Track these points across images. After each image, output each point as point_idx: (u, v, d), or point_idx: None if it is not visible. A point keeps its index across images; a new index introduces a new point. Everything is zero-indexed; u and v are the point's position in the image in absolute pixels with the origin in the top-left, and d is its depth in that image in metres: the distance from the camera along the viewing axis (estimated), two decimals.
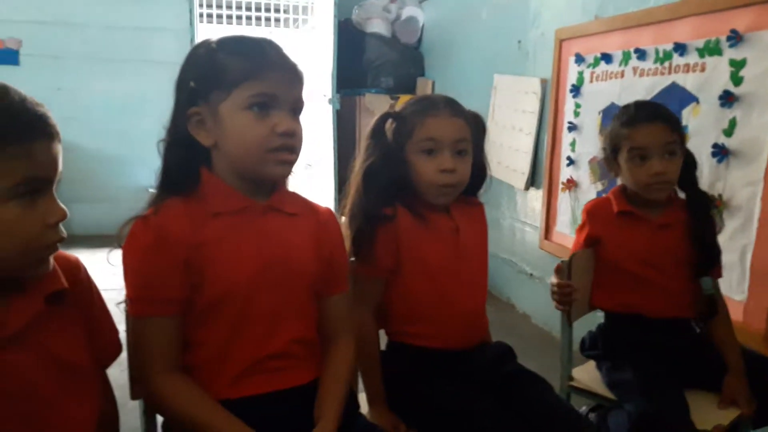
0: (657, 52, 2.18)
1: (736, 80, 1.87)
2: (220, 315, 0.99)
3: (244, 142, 0.98)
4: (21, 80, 4.12)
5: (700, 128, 1.98)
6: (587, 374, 1.61)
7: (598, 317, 1.65)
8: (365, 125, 4.30)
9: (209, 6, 4.85)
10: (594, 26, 2.52)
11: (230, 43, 1.01)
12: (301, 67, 1.03)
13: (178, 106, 1.01)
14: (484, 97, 3.45)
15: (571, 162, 2.69)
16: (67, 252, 0.87)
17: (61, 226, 0.80)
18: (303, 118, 1.05)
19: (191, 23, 4.48)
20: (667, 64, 2.14)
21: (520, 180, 3.10)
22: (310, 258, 1.07)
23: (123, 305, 0.99)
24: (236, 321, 1.00)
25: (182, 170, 1.01)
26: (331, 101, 4.54)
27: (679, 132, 1.47)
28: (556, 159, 2.80)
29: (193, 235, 0.97)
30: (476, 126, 1.33)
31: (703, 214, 1.51)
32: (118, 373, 1.02)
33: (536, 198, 3.02)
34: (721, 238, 1.53)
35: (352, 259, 1.26)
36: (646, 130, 1.46)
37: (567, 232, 2.73)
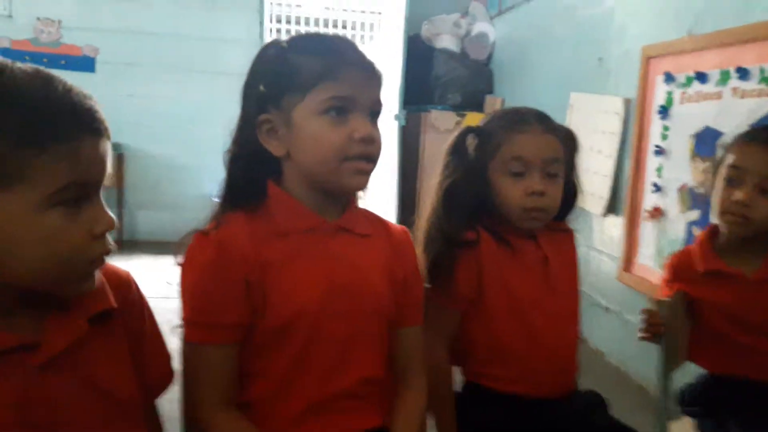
0: (762, 71, 1.98)
1: None
2: (283, 345, 0.89)
3: (320, 149, 0.88)
4: (96, 86, 4.22)
5: None
6: None
7: (698, 367, 1.46)
8: (429, 142, 4.28)
9: (278, 21, 4.87)
10: (688, 43, 2.32)
11: (302, 42, 0.92)
12: (379, 66, 0.92)
13: (246, 113, 0.92)
14: (558, 116, 3.24)
15: (657, 189, 2.49)
16: (121, 264, 0.77)
17: (109, 237, 0.70)
18: (381, 123, 0.94)
19: (261, 36, 4.50)
20: None
21: (597, 205, 2.91)
22: (383, 284, 0.96)
23: (179, 329, 0.89)
24: (300, 353, 0.89)
25: (249, 183, 0.92)
26: (396, 117, 4.45)
27: None
28: (639, 184, 2.60)
29: (257, 253, 0.88)
30: (569, 144, 1.19)
31: None
32: (169, 405, 0.91)
33: (615, 225, 2.82)
34: None
35: (427, 286, 1.13)
36: (750, 149, 1.26)
37: (650, 264, 2.53)
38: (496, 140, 1.14)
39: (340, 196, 0.95)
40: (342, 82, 0.87)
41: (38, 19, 4.40)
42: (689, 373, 1.46)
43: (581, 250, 3.16)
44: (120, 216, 4.38)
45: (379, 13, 4.92)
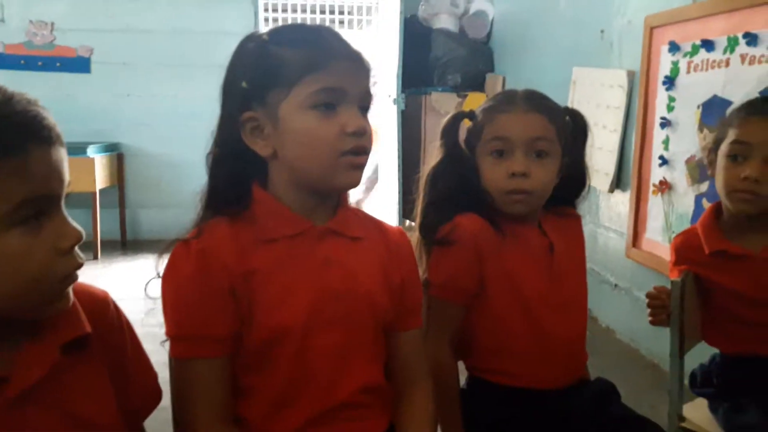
0: None
1: None
2: (275, 357, 0.84)
3: (310, 146, 0.83)
4: (92, 87, 4.17)
5: None
6: (699, 414, 1.37)
7: (709, 347, 1.41)
8: (431, 125, 4.21)
9: (274, 10, 4.80)
10: (692, 10, 2.24)
11: (284, 33, 0.87)
12: (366, 56, 0.87)
13: (228, 112, 0.87)
14: (561, 92, 3.21)
15: (664, 162, 2.42)
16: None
17: (78, 251, 0.65)
18: (371, 114, 0.89)
19: (256, 26, 4.44)
20: None
21: (603, 181, 2.85)
22: (378, 289, 0.91)
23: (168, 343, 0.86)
24: (294, 364, 0.85)
25: (232, 187, 0.87)
26: (395, 101, 4.38)
27: None
28: (646, 159, 2.53)
29: (241, 262, 0.83)
30: (573, 124, 1.13)
31: None
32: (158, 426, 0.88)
33: (622, 201, 2.76)
34: None
35: (427, 280, 1.09)
36: (753, 123, 1.19)
37: (659, 239, 2.47)
38: (481, 122, 1.11)
39: (330, 195, 0.90)
40: (330, 73, 0.82)
41: (31, 21, 4.36)
42: (701, 354, 1.41)
43: (588, 228, 3.13)
44: (122, 216, 4.36)
45: None
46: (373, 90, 0.88)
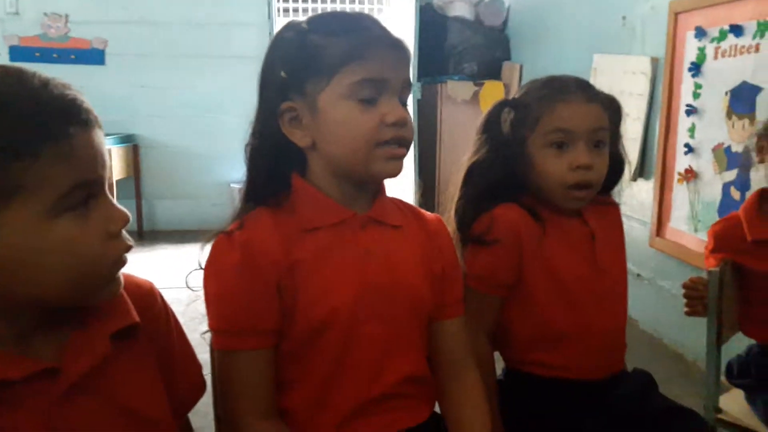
0: None
1: None
2: (318, 349, 0.84)
3: (350, 137, 0.81)
4: (107, 79, 4.16)
5: None
6: (736, 405, 1.36)
7: (744, 338, 1.39)
8: (447, 114, 4.17)
9: (286, 0, 4.76)
10: None
11: (324, 21, 0.85)
12: (406, 44, 0.85)
13: (266, 102, 0.85)
14: None
15: (689, 150, 2.38)
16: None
17: (125, 233, 0.64)
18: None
19: (269, 16, 4.41)
20: None
21: (626, 170, 2.80)
22: (419, 280, 0.89)
23: (208, 334, 0.85)
24: (337, 356, 0.84)
25: (272, 177, 0.85)
26: (412, 90, 4.35)
27: None
28: (670, 147, 2.50)
29: (286, 254, 0.82)
30: (613, 111, 1.11)
31: None
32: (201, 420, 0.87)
33: (646, 190, 2.72)
34: None
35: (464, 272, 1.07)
36: None
37: (684, 228, 2.43)
38: (535, 112, 1.06)
39: (369, 185, 0.89)
40: (371, 62, 0.80)
41: (45, 14, 4.35)
42: (734, 345, 1.39)
43: None
44: (138, 207, 4.37)
45: None
46: (411, 78, 0.86)
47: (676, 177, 2.47)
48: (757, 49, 2.04)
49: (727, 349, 1.37)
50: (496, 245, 1.04)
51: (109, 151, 3.84)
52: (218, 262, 0.82)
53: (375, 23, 0.84)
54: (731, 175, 2.18)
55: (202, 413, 0.89)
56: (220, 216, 0.88)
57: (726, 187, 2.21)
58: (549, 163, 1.05)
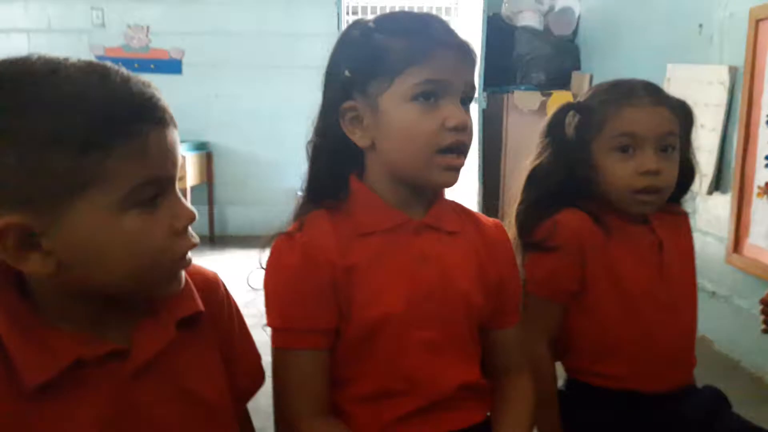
0: None
1: None
2: (370, 351, 0.85)
3: (409, 140, 0.81)
4: (183, 88, 4.33)
5: None
6: None
7: None
8: (512, 124, 4.12)
9: (355, 13, 4.84)
10: None
11: (390, 21, 0.85)
12: (472, 45, 0.85)
13: (329, 100, 0.86)
14: None
15: None
16: (214, 258, 0.75)
17: (192, 231, 0.66)
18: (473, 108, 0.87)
19: (338, 29, 4.50)
20: None
21: (701, 183, 2.69)
22: (473, 287, 0.89)
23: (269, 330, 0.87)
24: (389, 359, 0.85)
25: (332, 178, 0.87)
26: (477, 100, 4.33)
27: None
28: (750, 159, 2.38)
29: (342, 256, 0.83)
30: (685, 116, 1.08)
31: None
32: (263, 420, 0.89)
33: (722, 204, 2.60)
34: None
35: (525, 277, 1.06)
36: None
37: (764, 245, 2.31)
38: (601, 115, 1.04)
39: (426, 190, 0.89)
40: (434, 64, 0.80)
41: (128, 26, 4.60)
42: None
43: None
44: (210, 213, 4.53)
45: None
46: (475, 82, 0.86)
47: (756, 190, 2.35)
48: None
49: None
50: (558, 251, 1.02)
51: (184, 158, 4.03)
52: (278, 262, 0.84)
53: (441, 24, 0.84)
54: None
55: (265, 414, 0.91)
56: (287, 222, 0.90)
57: None
58: (615, 168, 1.02)
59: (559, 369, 1.11)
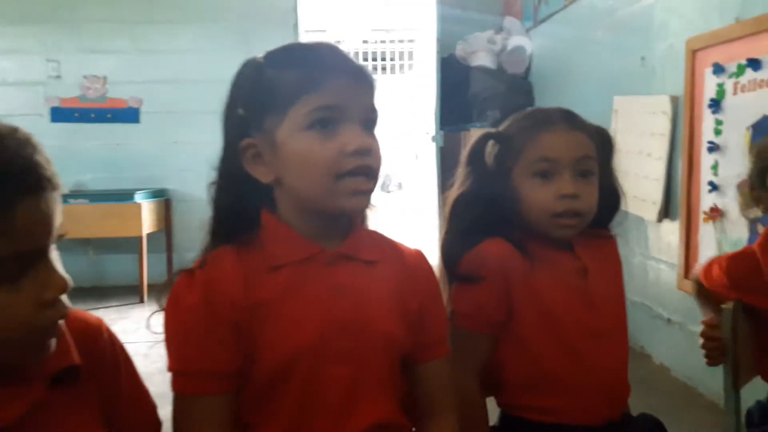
0: None
1: None
2: (280, 393, 0.80)
3: (309, 168, 0.79)
4: (142, 136, 4.30)
5: None
6: None
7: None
8: None
9: None
10: (736, 30, 2.16)
11: (280, 54, 0.84)
12: (368, 70, 0.83)
13: (228, 141, 0.85)
14: (603, 122, 3.07)
15: (714, 188, 2.30)
16: (91, 315, 0.70)
17: (64, 298, 0.62)
18: (379, 132, 0.84)
19: None
20: None
21: (651, 211, 2.73)
22: (392, 318, 0.85)
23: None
24: (300, 400, 0.80)
25: (238, 215, 0.84)
26: (434, 138, 4.37)
27: None
28: (694, 185, 2.42)
29: (247, 294, 0.79)
30: (602, 142, 1.08)
31: None
32: None
33: (672, 231, 2.63)
34: None
35: (451, 310, 1.03)
36: None
37: None
38: (519, 143, 1.04)
39: (340, 219, 0.86)
40: (326, 91, 0.78)
41: (85, 77, 4.58)
42: (753, 389, 1.29)
43: (637, 260, 2.98)
44: (169, 259, 4.44)
45: (412, 41, 4.91)
46: (377, 106, 0.83)
47: (702, 216, 2.38)
48: None
49: (754, 395, 1.27)
50: (483, 282, 1.00)
51: (141, 205, 3.98)
52: (178, 301, 0.80)
53: (332, 51, 0.82)
54: (758, 211, 2.09)
55: None
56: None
57: (753, 224, 2.11)
58: (535, 193, 1.02)
59: (492, 405, 1.07)
